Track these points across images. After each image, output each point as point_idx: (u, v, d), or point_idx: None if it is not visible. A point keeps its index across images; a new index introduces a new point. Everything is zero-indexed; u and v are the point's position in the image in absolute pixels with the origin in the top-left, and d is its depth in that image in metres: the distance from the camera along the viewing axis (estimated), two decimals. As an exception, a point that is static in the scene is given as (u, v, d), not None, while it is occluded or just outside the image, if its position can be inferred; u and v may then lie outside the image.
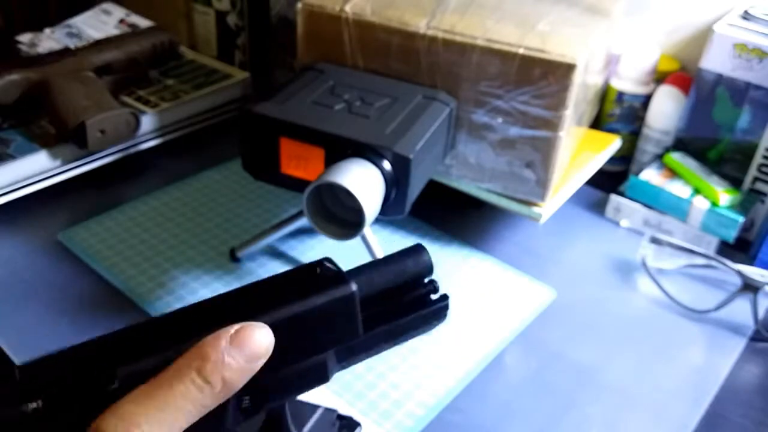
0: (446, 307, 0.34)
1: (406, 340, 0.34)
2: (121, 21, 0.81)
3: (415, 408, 0.45)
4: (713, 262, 0.56)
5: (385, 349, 0.34)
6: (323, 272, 0.31)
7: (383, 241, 0.60)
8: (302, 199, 0.44)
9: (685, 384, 0.49)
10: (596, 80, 0.63)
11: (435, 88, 0.53)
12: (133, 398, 0.25)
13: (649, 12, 0.71)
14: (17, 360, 0.47)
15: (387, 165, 0.46)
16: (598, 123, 0.72)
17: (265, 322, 0.28)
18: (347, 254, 0.58)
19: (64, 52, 0.68)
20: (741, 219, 0.59)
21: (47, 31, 0.79)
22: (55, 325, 0.50)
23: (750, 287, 0.53)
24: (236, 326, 0.27)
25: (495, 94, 0.51)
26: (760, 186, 0.62)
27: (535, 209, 0.55)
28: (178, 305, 0.48)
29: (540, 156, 0.52)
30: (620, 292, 0.57)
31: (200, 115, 0.70)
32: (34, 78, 0.63)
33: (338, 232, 0.46)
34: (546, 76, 0.49)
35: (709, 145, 0.65)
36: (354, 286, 0.30)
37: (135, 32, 0.75)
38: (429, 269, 0.34)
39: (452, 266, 0.58)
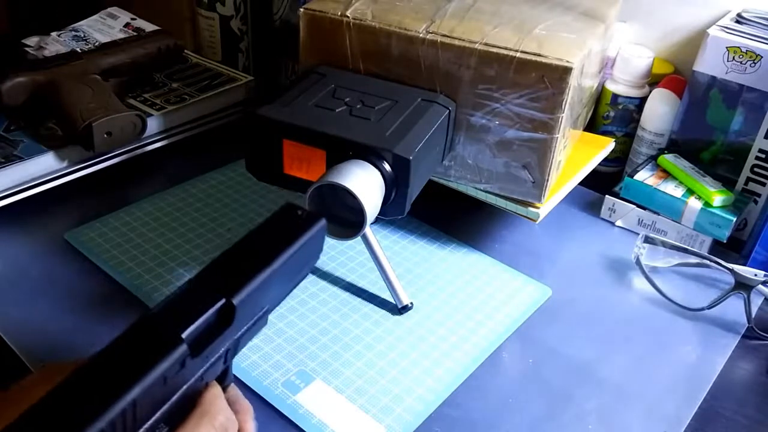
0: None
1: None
2: (127, 25, 0.83)
3: (415, 403, 0.46)
4: (706, 261, 0.57)
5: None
6: (302, 214, 0.37)
7: (383, 241, 0.61)
8: (304, 199, 0.45)
9: (679, 380, 0.50)
10: (591, 83, 0.64)
11: (434, 91, 0.54)
12: None
13: (643, 16, 0.72)
14: (21, 355, 0.48)
15: (387, 166, 0.46)
16: (593, 125, 0.73)
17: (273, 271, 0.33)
18: (348, 254, 0.59)
19: (71, 56, 0.69)
20: (734, 219, 0.60)
21: (54, 34, 0.80)
22: (62, 323, 0.51)
23: (743, 286, 0.54)
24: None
25: (492, 96, 0.52)
26: (753, 186, 0.63)
27: (532, 209, 0.56)
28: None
29: (536, 157, 0.53)
30: (615, 291, 0.58)
31: (205, 118, 0.72)
32: (41, 80, 0.63)
33: (339, 231, 0.47)
34: (542, 79, 0.50)
35: (702, 147, 0.66)
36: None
37: (141, 36, 0.76)
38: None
39: (450, 265, 0.59)
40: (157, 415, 0.29)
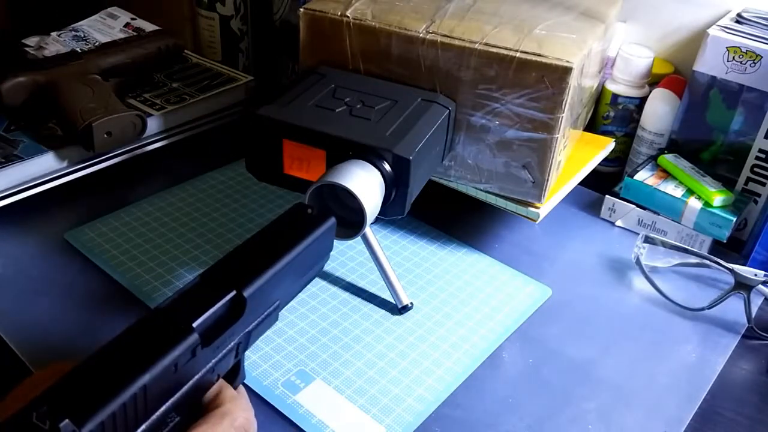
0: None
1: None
2: (127, 25, 0.83)
3: (415, 403, 0.46)
4: (706, 261, 0.57)
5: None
6: (312, 212, 0.39)
7: (383, 241, 0.61)
8: (304, 199, 0.45)
9: (679, 380, 0.50)
10: (591, 83, 0.64)
11: (434, 91, 0.54)
12: None
13: (643, 16, 0.73)
14: (21, 355, 0.48)
15: (387, 166, 0.46)
16: (593, 125, 0.73)
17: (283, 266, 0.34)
18: (348, 254, 0.60)
19: (71, 55, 0.69)
20: (734, 219, 0.60)
21: (54, 34, 0.80)
22: (62, 323, 0.51)
23: (743, 286, 0.54)
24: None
25: (492, 96, 0.53)
26: (753, 186, 0.63)
27: (532, 209, 0.56)
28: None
29: (536, 157, 0.54)
30: (615, 291, 0.58)
31: (205, 118, 0.72)
32: (41, 80, 0.63)
33: (340, 231, 0.47)
34: (542, 79, 0.51)
35: (702, 147, 0.66)
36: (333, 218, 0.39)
37: (141, 36, 0.76)
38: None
39: (450, 265, 0.59)
40: (169, 403, 0.30)
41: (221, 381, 0.35)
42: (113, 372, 0.27)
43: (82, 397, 0.26)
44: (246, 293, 0.32)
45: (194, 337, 0.30)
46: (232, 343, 0.33)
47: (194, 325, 0.30)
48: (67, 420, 0.25)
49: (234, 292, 0.32)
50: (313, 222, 0.38)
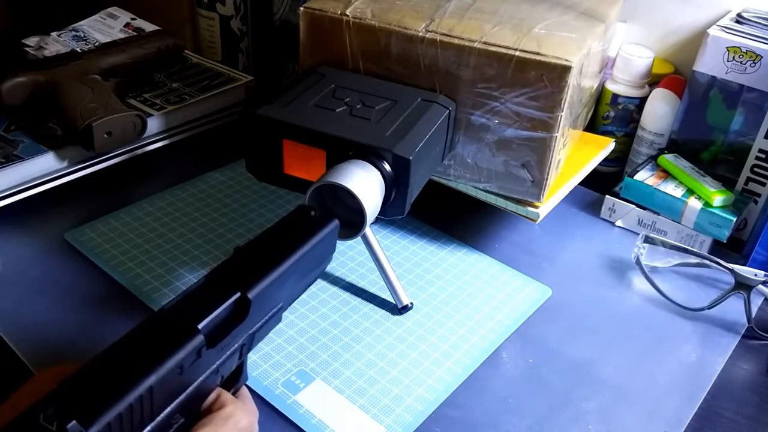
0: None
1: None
2: (127, 25, 0.83)
3: (415, 403, 0.46)
4: (706, 261, 0.57)
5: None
6: (316, 214, 0.39)
7: (383, 241, 0.61)
8: (304, 199, 0.45)
9: (679, 380, 0.50)
10: (591, 83, 0.64)
11: (434, 90, 0.54)
12: None
13: (643, 16, 0.73)
14: (21, 355, 0.48)
15: (387, 166, 0.46)
16: (593, 125, 0.73)
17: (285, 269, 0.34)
18: (348, 254, 0.60)
19: (71, 56, 0.69)
20: (734, 219, 0.60)
21: (54, 34, 0.80)
22: (62, 322, 0.51)
23: (743, 286, 0.54)
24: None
25: (492, 95, 0.53)
26: (753, 186, 0.63)
27: (532, 209, 0.56)
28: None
29: (536, 157, 0.54)
30: (615, 291, 0.58)
31: (205, 118, 0.71)
32: (41, 80, 0.63)
33: (340, 232, 0.46)
34: (541, 78, 0.51)
35: (702, 147, 0.66)
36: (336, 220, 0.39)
37: (141, 36, 0.76)
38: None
39: (450, 265, 0.59)
40: (174, 405, 0.30)
41: (218, 388, 0.35)
42: (119, 373, 0.27)
43: (88, 399, 0.26)
44: (250, 295, 0.32)
45: (199, 339, 0.30)
46: (236, 345, 0.33)
47: (199, 326, 0.30)
48: (74, 421, 0.25)
49: (238, 294, 0.32)
50: (316, 224, 0.38)
